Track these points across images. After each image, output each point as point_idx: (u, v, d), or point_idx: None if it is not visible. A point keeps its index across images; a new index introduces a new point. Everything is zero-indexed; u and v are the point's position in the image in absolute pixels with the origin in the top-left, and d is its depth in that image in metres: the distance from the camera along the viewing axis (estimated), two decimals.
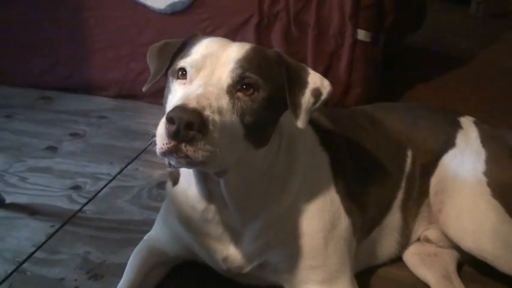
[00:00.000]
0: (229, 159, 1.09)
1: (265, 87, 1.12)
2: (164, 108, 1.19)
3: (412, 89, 2.95)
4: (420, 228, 1.65)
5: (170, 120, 0.99)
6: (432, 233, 1.63)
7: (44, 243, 1.69)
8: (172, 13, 2.61)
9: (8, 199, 1.89)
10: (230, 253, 1.33)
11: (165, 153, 1.03)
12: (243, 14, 2.52)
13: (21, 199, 1.92)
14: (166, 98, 1.19)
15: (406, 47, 3.45)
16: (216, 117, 1.02)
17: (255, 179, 1.25)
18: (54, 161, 2.21)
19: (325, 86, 1.20)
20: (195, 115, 0.98)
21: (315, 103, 1.18)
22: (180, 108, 0.99)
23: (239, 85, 1.10)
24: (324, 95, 1.19)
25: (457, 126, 1.64)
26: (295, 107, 1.16)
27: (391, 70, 2.96)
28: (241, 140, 1.11)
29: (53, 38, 2.84)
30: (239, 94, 1.10)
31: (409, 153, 1.59)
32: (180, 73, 1.15)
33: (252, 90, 1.10)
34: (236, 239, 1.32)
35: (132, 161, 2.22)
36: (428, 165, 1.59)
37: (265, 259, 1.33)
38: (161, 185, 2.03)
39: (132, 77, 2.77)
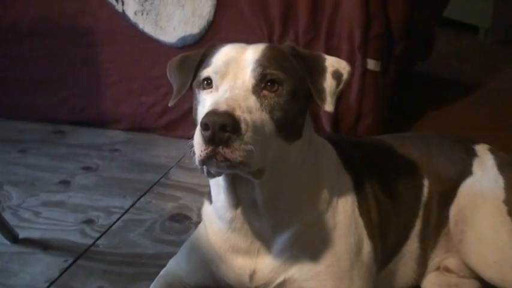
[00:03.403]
0: (266, 156, 1.12)
1: (287, 80, 1.17)
2: (195, 121, 1.23)
3: (423, 117, 2.94)
4: (438, 257, 1.62)
5: (204, 126, 1.03)
6: (452, 262, 1.60)
7: (57, 278, 1.68)
8: (182, 47, 2.64)
9: (22, 234, 1.89)
10: (258, 267, 1.32)
11: (204, 161, 1.07)
12: None
13: (35, 234, 1.92)
14: (196, 110, 1.24)
15: (415, 75, 3.46)
16: (247, 116, 1.06)
17: (289, 178, 1.26)
18: (67, 195, 2.21)
19: (344, 67, 1.25)
20: (226, 116, 1.03)
21: (338, 85, 1.23)
22: (212, 113, 1.04)
23: (263, 83, 1.15)
24: (345, 75, 1.24)
25: (473, 154, 1.63)
26: (320, 93, 1.21)
27: (402, 98, 2.96)
28: (274, 136, 1.15)
29: (66, 73, 2.88)
30: (265, 92, 1.15)
31: (426, 182, 1.57)
32: (205, 83, 1.21)
33: (276, 86, 1.16)
34: (264, 250, 1.32)
35: (145, 193, 2.22)
36: (446, 194, 1.57)
37: (291, 275, 1.31)
38: (174, 217, 2.03)
39: (143, 110, 2.80)
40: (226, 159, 1.04)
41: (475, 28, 4.88)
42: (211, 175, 1.16)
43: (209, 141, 1.03)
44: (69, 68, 2.87)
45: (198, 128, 1.05)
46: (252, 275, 1.33)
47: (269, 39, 2.51)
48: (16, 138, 2.76)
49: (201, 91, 1.22)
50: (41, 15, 2.78)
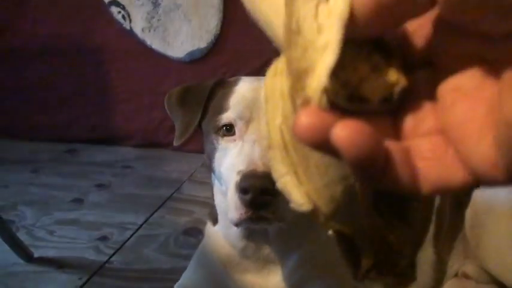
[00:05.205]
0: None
1: None
2: (211, 164, 1.17)
3: None
4: (456, 263, 1.59)
5: (244, 191, 0.98)
6: (470, 269, 1.57)
7: None
8: (190, 61, 2.66)
9: (36, 253, 1.89)
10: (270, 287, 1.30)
11: (241, 223, 1.04)
12: (260, 58, 2.55)
13: (49, 253, 1.92)
14: (212, 155, 1.16)
15: None
16: None
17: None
18: (80, 212, 2.22)
19: None
20: (267, 181, 0.96)
21: None
22: (251, 175, 0.99)
23: None
24: None
25: None
26: None
27: None
28: None
29: (76, 92, 2.91)
30: None
31: None
32: (224, 129, 1.13)
33: None
34: (276, 272, 1.30)
35: (158, 209, 2.22)
36: (459, 197, 1.55)
37: None
38: (188, 231, 2.02)
39: (154, 126, 2.81)
40: (265, 219, 1.02)
41: None
42: (238, 226, 1.12)
43: (249, 205, 0.99)
44: (79, 87, 2.90)
45: (233, 188, 1.01)
46: None
47: (276, 50, 2.51)
48: (28, 159, 2.78)
49: (220, 138, 1.14)
50: (50, 35, 2.82)
